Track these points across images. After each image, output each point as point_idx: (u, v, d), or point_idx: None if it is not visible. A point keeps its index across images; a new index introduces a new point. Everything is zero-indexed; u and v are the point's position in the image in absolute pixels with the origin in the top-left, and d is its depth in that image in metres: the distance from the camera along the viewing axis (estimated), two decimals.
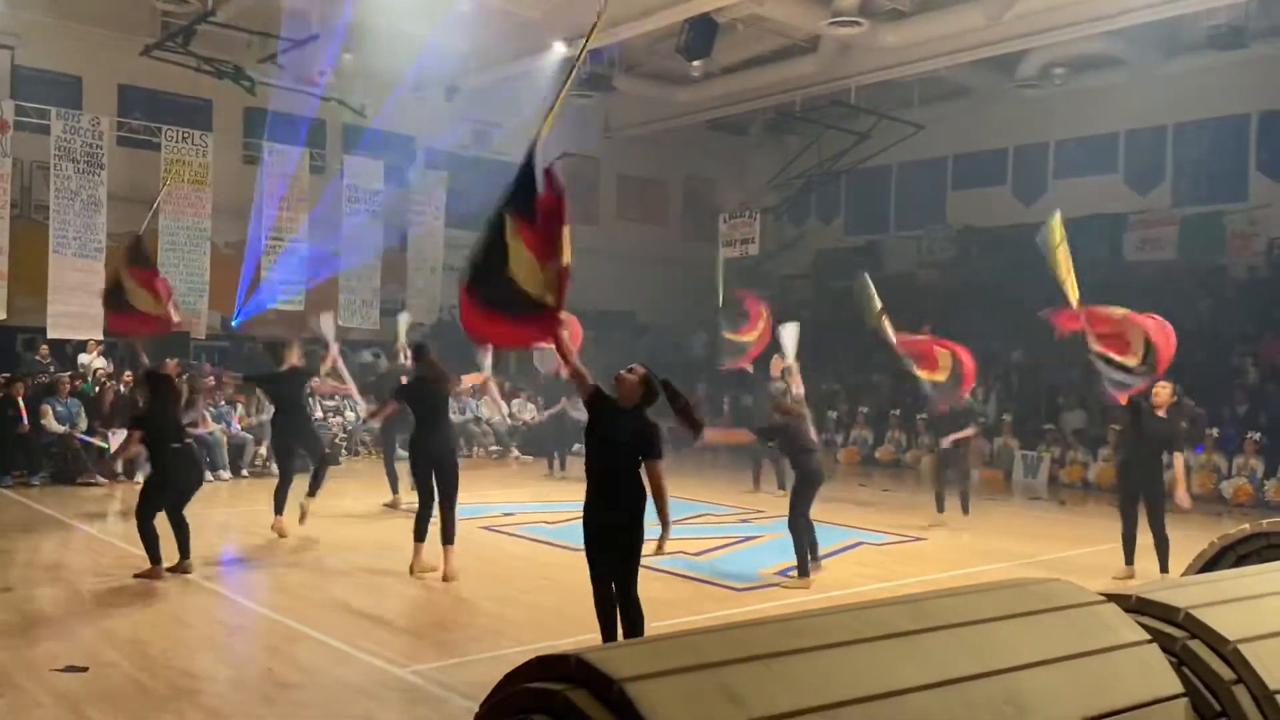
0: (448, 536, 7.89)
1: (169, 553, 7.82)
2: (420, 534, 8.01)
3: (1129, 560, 8.51)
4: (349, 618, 6.90)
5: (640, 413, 5.39)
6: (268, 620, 6.88)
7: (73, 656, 5.75)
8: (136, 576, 7.71)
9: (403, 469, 9.99)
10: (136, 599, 7.26)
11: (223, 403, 14.44)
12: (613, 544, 5.35)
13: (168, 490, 7.86)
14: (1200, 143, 19.00)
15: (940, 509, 11.34)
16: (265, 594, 7.73)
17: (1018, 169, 21.35)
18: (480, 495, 11.53)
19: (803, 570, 8.15)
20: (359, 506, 11.58)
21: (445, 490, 7.96)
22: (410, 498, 10.69)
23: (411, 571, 7.99)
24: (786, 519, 8.21)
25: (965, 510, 11.40)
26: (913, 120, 19.93)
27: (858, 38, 16.50)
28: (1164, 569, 8.24)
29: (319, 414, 16.23)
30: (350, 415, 16.65)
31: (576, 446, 13.14)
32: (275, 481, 9.91)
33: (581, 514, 5.47)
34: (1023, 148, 21.11)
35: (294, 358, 9.98)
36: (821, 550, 8.67)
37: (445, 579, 7.81)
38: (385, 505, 11.48)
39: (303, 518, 9.56)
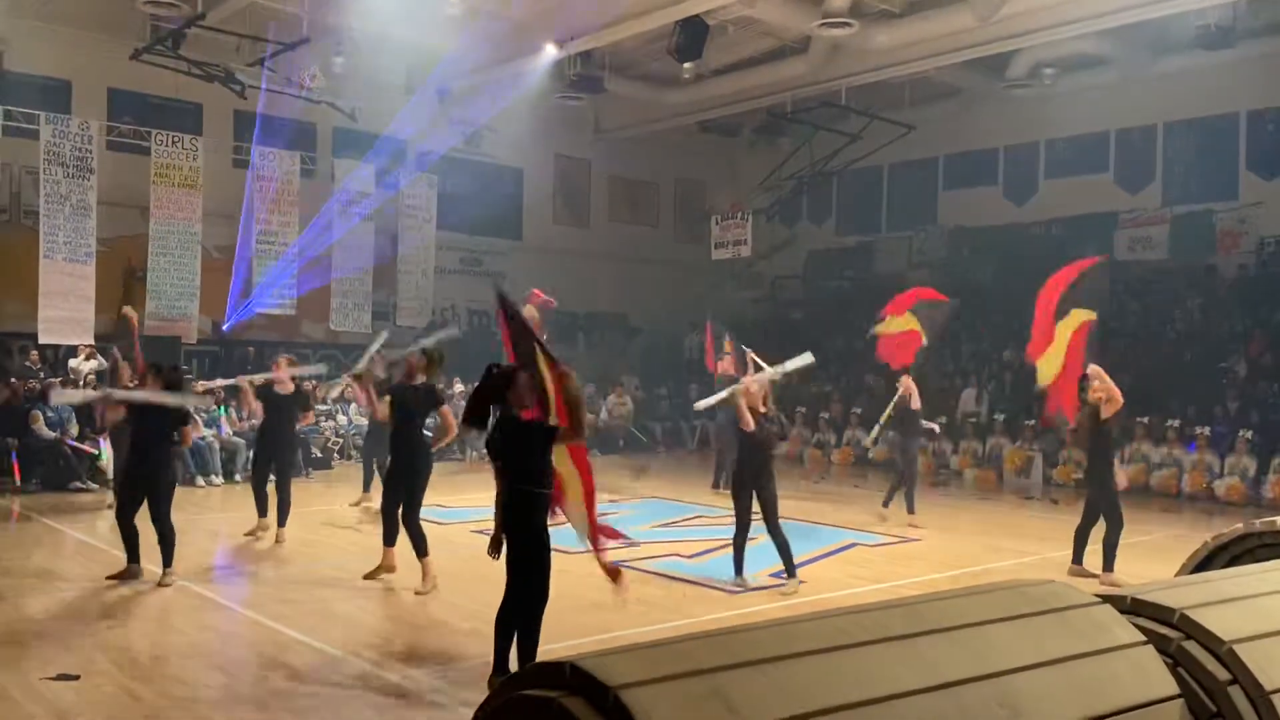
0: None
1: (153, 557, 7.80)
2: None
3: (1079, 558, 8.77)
4: (342, 623, 6.88)
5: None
6: (260, 626, 6.84)
7: (64, 665, 5.72)
8: (110, 578, 7.75)
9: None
10: (127, 606, 7.24)
11: (214, 407, 14.38)
12: None
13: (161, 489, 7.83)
14: (1190, 142, 19.06)
15: (885, 504, 11.87)
16: (257, 600, 7.69)
17: (1008, 169, 21.41)
18: (472, 499, 11.49)
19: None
20: (350, 511, 11.55)
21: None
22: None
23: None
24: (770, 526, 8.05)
25: (910, 509, 11.41)
26: (904, 121, 19.95)
27: (848, 39, 16.51)
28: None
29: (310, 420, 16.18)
30: (343, 420, 16.60)
31: None
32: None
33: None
34: (1013, 148, 21.17)
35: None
36: (819, 551, 8.57)
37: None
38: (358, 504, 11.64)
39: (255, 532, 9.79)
